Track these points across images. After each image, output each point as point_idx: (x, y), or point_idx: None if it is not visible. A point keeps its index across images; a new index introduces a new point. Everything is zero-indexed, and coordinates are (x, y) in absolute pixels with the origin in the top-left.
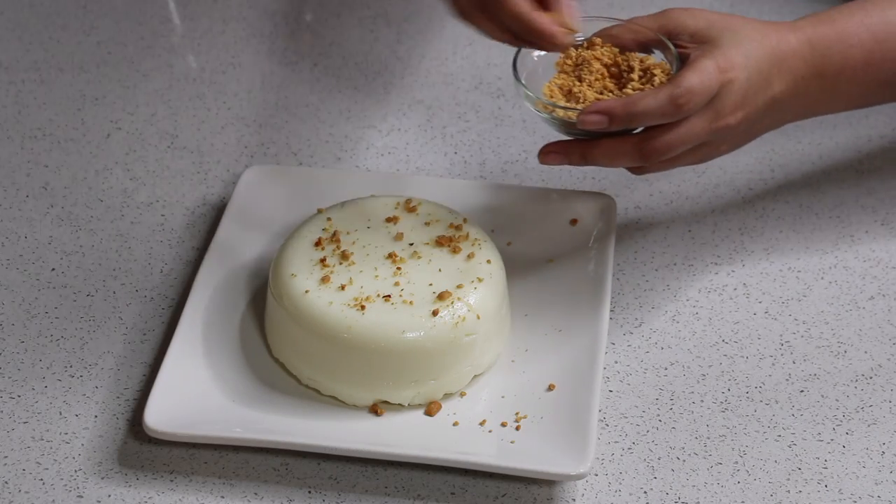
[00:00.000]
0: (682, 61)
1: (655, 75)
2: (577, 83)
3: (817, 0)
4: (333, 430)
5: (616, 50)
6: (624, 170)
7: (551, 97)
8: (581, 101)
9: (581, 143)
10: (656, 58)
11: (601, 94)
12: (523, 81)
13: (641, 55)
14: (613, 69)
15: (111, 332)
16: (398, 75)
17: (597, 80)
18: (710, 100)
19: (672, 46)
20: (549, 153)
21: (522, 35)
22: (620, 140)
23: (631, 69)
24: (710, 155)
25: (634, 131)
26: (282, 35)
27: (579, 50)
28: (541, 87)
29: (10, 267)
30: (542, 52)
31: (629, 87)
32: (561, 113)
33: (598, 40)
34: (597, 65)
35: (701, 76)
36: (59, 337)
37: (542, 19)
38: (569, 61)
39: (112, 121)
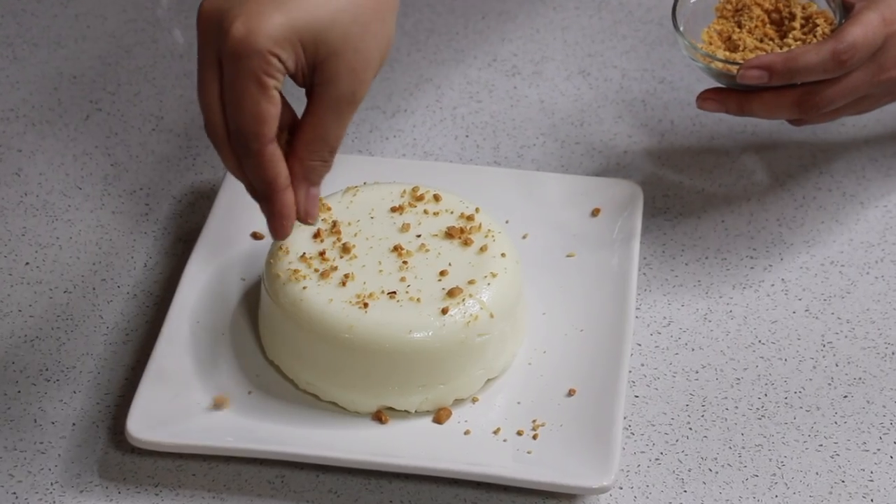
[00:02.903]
0: (846, 10)
1: (818, 25)
2: (737, 29)
3: None
4: (334, 438)
5: None
6: (648, 154)
7: (710, 44)
8: (741, 48)
9: (739, 93)
10: (819, 5)
11: (761, 41)
12: (681, 28)
13: (804, 1)
14: (774, 15)
15: (91, 333)
16: (404, 52)
17: (757, 26)
18: (873, 53)
19: None
20: (707, 99)
21: (259, 198)
22: (780, 93)
23: (793, 17)
24: (871, 107)
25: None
26: None
27: None
28: (699, 32)
29: None
30: None
31: (790, 36)
32: (720, 65)
33: None
34: (757, 10)
35: (865, 29)
36: (33, 337)
37: (286, 201)
38: (728, 6)
39: (91, 101)
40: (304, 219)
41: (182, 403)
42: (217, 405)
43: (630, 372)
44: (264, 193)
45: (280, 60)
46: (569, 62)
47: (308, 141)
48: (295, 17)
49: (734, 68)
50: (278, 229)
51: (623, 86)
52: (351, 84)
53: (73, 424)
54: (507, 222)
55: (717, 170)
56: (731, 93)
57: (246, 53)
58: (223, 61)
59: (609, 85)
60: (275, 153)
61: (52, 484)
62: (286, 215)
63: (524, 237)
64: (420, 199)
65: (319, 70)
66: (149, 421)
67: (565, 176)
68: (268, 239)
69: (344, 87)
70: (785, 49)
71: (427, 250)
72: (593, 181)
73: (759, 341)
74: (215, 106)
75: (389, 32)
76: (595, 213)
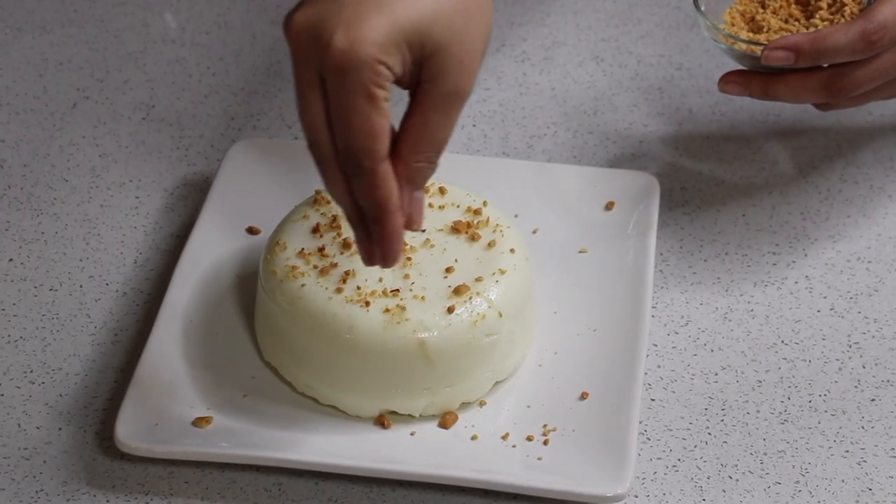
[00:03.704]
0: None
1: (846, 5)
2: (761, 10)
3: None
4: (334, 444)
5: None
6: (665, 144)
7: (732, 25)
8: (765, 29)
9: (764, 76)
10: None
11: (786, 22)
12: (702, 9)
13: None
14: None
15: (77, 332)
16: None
17: (781, 6)
18: None
19: None
20: (730, 82)
21: (369, 223)
22: (806, 75)
23: None
24: None
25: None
26: None
27: None
28: (721, 13)
29: None
30: None
31: (817, 16)
32: (743, 47)
33: None
34: None
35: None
36: (17, 337)
37: (398, 222)
38: None
39: (78, 89)
40: (410, 226)
41: (174, 407)
42: (198, 425)
43: (646, 374)
44: (375, 216)
45: (388, 67)
46: (581, 47)
47: (414, 142)
48: (398, 16)
49: (758, 49)
50: (388, 254)
51: (639, 72)
52: (459, 78)
53: (60, 429)
54: (516, 216)
55: (737, 161)
56: (754, 75)
57: (352, 66)
58: (327, 77)
59: (624, 71)
60: (388, 171)
61: (37, 492)
62: (397, 238)
63: (534, 232)
64: (425, 191)
65: (426, 67)
66: (139, 426)
67: (578, 167)
68: (264, 234)
69: (452, 81)
70: (811, 29)
71: (432, 246)
72: (607, 173)
73: (782, 342)
74: (321, 125)
75: (489, 20)
76: (609, 206)
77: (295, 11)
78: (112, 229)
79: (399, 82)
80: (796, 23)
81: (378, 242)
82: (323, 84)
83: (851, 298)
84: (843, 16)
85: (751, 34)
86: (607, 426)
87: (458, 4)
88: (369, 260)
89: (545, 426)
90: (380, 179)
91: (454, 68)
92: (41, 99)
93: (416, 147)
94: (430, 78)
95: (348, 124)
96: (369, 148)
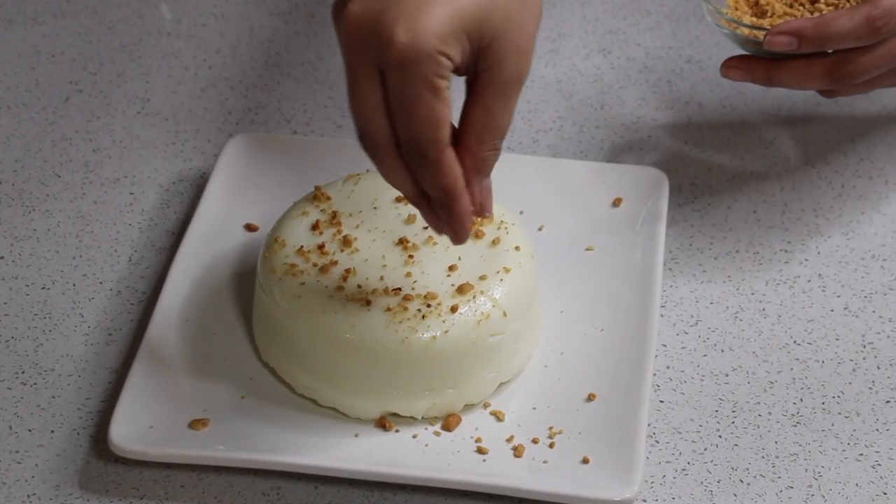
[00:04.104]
0: None
1: None
2: None
3: None
4: (334, 447)
5: None
6: (674, 138)
7: (736, 9)
8: (769, 14)
9: (767, 61)
10: None
11: (790, 6)
12: None
13: None
14: None
15: (71, 332)
16: None
17: None
18: None
19: None
20: (732, 67)
21: (436, 207)
22: (810, 61)
23: None
24: None
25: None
26: None
27: None
28: None
29: None
30: None
31: (822, 0)
32: (746, 31)
33: None
34: None
35: None
36: (8, 337)
37: (467, 203)
38: None
39: (71, 82)
40: (482, 213)
41: (170, 409)
42: (195, 427)
43: (654, 375)
44: (443, 201)
45: (449, 58)
46: (588, 39)
47: (478, 131)
48: (458, 6)
49: (761, 34)
50: (460, 234)
51: (647, 65)
52: (518, 64)
53: (52, 432)
54: (521, 213)
55: (748, 156)
56: (758, 61)
57: (415, 59)
58: (387, 70)
59: (632, 64)
60: (452, 157)
61: (28, 496)
62: (467, 218)
63: (540, 229)
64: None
65: (484, 55)
66: (133, 428)
67: (584, 162)
68: (262, 231)
69: (511, 68)
70: (816, 14)
71: (435, 243)
72: (615, 168)
73: (795, 342)
74: (378, 117)
75: (540, 2)
76: (617, 202)
77: (347, 1)
78: (106, 226)
79: (456, 71)
80: (801, 7)
81: (448, 223)
82: (381, 75)
83: (866, 297)
84: (848, 0)
85: (754, 19)
86: (615, 428)
87: None
88: (439, 232)
89: (551, 428)
90: (445, 167)
91: (513, 55)
92: (33, 92)
93: (481, 137)
94: (490, 66)
95: (412, 116)
96: (434, 138)
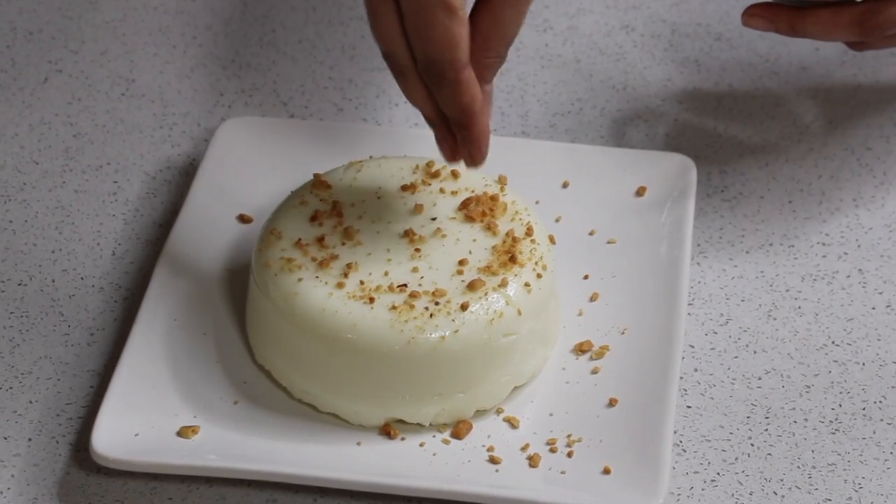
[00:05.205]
0: None
1: None
2: None
3: None
4: (334, 456)
5: None
6: (703, 123)
7: None
8: None
9: (791, 10)
10: None
11: None
12: None
13: None
14: None
15: (49, 332)
16: None
17: None
18: None
19: None
20: (754, 15)
21: (454, 127)
22: (838, 10)
23: None
24: None
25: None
26: None
27: None
28: None
29: None
30: None
31: None
32: None
33: None
34: None
35: None
36: None
37: (485, 124)
38: None
39: (51, 61)
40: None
41: (156, 416)
42: (184, 435)
43: (681, 378)
44: (461, 121)
45: None
46: (610, 15)
47: (484, 39)
48: None
49: None
50: (477, 154)
51: (673, 43)
52: None
53: (29, 440)
54: (537, 203)
55: (783, 141)
56: (782, 9)
57: None
58: None
59: (657, 42)
60: (470, 77)
61: None
62: (485, 140)
63: (557, 220)
64: (435, 175)
65: None
66: (117, 436)
67: (605, 149)
68: (257, 223)
69: None
70: None
71: (444, 236)
72: (638, 154)
73: (833, 342)
74: (396, 38)
75: None
76: (640, 191)
77: None
78: (88, 217)
79: None
80: None
81: (465, 145)
82: None
83: None
84: None
85: None
86: (638, 436)
87: None
88: (452, 158)
89: (569, 436)
90: (463, 86)
91: None
92: (9, 73)
93: (486, 44)
94: None
95: (428, 38)
96: (452, 59)
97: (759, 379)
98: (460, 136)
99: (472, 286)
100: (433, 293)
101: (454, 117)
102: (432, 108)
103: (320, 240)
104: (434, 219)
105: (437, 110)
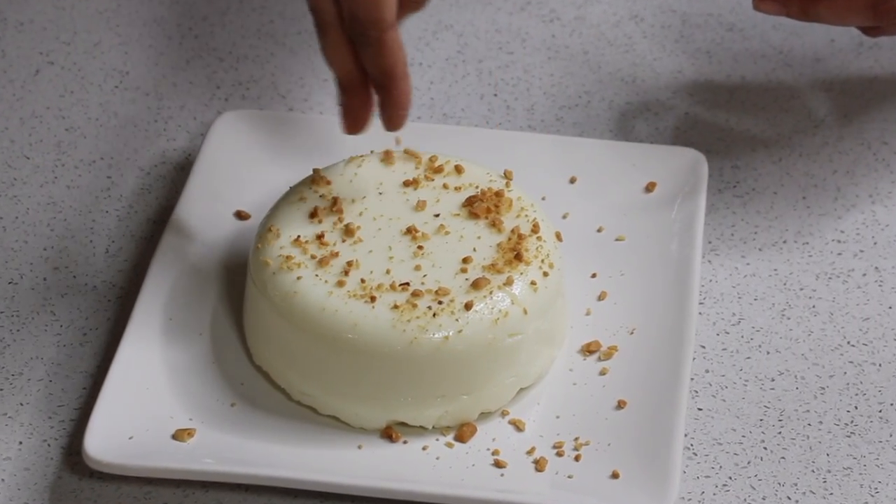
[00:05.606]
0: None
1: None
2: None
3: None
4: (334, 460)
5: None
6: (714, 116)
7: None
8: None
9: None
10: None
11: None
12: None
13: None
14: None
15: (41, 332)
16: None
17: None
18: None
19: None
20: (765, 0)
21: (376, 89)
22: None
23: None
24: None
25: None
26: None
27: None
28: None
29: None
30: None
31: None
32: None
33: None
34: None
35: None
36: None
37: (406, 87)
38: None
39: (42, 53)
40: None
41: (151, 418)
42: (179, 438)
43: (692, 380)
44: (382, 83)
45: None
46: (618, 5)
47: None
48: None
49: None
50: (396, 117)
51: (683, 34)
52: None
53: (20, 443)
54: (543, 199)
55: (797, 136)
56: None
57: None
58: None
59: (667, 33)
60: (396, 38)
61: None
62: (405, 104)
63: (564, 217)
64: (438, 171)
65: None
66: (111, 439)
67: (614, 143)
68: (254, 220)
69: None
70: None
71: (447, 233)
72: (648, 149)
73: (848, 343)
74: None
75: None
76: (650, 187)
77: None
78: (80, 214)
79: None
80: None
81: (385, 108)
82: None
83: None
84: None
85: None
86: (648, 439)
87: None
88: (347, 129)
89: (577, 439)
90: (387, 48)
91: None
92: None
93: None
94: None
95: None
96: (377, 18)
97: (773, 380)
98: (381, 98)
99: (476, 285)
100: (436, 292)
101: (376, 78)
102: (347, 72)
103: (320, 237)
104: (437, 215)
105: (351, 74)
